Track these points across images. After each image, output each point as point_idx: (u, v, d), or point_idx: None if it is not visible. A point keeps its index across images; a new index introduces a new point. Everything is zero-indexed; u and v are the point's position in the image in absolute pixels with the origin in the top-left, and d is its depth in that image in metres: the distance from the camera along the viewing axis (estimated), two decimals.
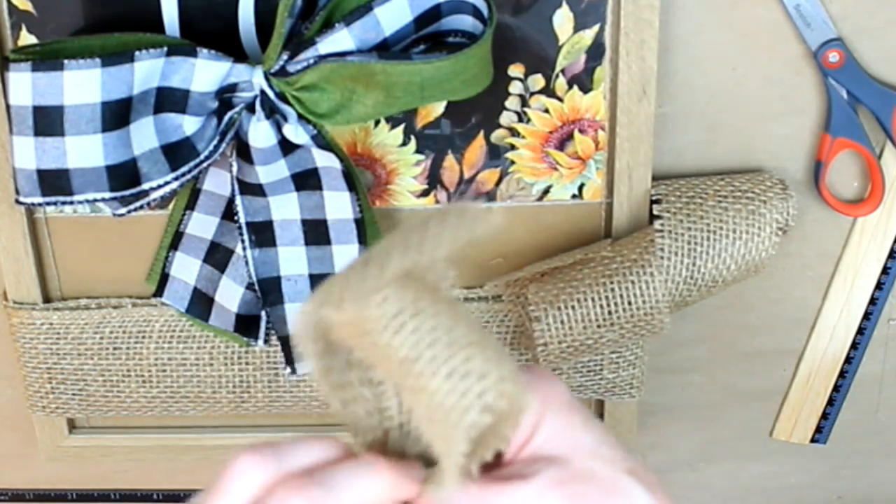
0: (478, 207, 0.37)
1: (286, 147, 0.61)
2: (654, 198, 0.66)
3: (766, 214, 0.65)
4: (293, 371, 0.67)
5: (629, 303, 0.64)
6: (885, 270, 0.70)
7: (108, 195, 0.58)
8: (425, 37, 0.60)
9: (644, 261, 0.64)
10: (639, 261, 0.64)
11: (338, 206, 0.63)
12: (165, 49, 0.57)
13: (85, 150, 0.57)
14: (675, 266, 0.64)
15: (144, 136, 0.59)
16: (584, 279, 0.64)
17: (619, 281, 0.64)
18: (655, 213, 0.65)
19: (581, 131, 0.65)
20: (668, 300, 0.64)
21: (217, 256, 0.66)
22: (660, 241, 0.64)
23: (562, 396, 0.41)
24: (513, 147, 0.65)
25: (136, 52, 0.56)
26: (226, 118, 0.60)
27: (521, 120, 0.64)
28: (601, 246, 0.66)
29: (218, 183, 0.65)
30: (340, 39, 0.57)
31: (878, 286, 0.71)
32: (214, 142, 0.60)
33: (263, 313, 0.67)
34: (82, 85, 0.56)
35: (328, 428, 0.73)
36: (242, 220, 0.63)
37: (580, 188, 0.67)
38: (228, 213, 0.65)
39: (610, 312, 0.64)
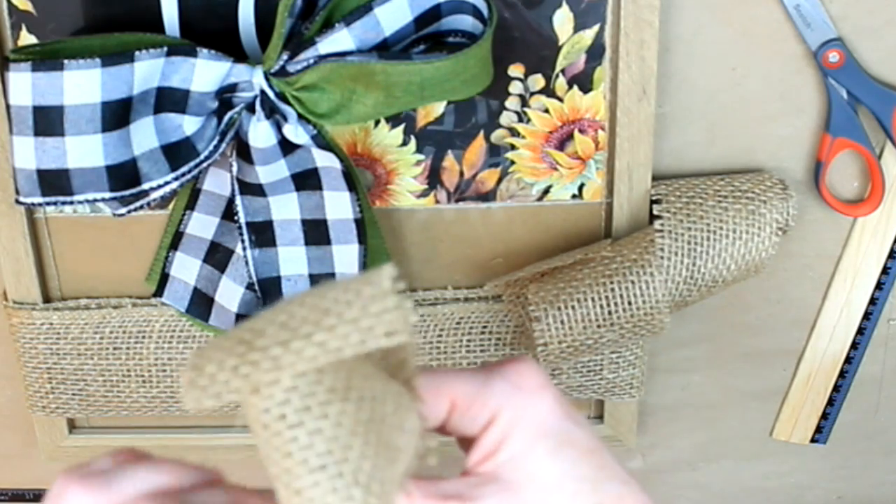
0: (389, 291, 0.34)
1: (286, 147, 0.61)
2: (654, 198, 0.66)
3: (766, 214, 0.65)
4: None
5: (629, 303, 0.64)
6: (885, 270, 0.70)
7: (108, 195, 0.58)
8: (425, 37, 0.60)
9: (644, 261, 0.64)
10: (639, 261, 0.64)
11: (338, 206, 0.63)
12: (165, 49, 0.57)
13: (85, 150, 0.57)
14: (675, 266, 0.64)
15: (144, 136, 0.59)
16: (584, 279, 0.64)
17: (619, 281, 0.64)
18: (655, 213, 0.65)
19: (581, 131, 0.65)
20: (668, 300, 0.64)
21: (217, 256, 0.66)
22: (660, 241, 0.64)
23: (536, 417, 0.39)
24: (513, 147, 0.65)
25: (136, 52, 0.56)
26: (226, 118, 0.60)
27: (521, 120, 0.65)
28: (601, 246, 0.66)
29: (218, 183, 0.65)
30: (340, 39, 0.57)
31: (878, 286, 0.71)
32: (214, 142, 0.60)
33: None
34: (82, 85, 0.56)
35: None
36: (242, 220, 0.63)
37: (580, 188, 0.67)
38: (228, 213, 0.65)
39: (610, 312, 0.64)
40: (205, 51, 0.58)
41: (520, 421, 0.39)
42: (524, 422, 0.39)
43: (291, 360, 0.33)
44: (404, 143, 0.65)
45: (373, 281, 0.34)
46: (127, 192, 0.59)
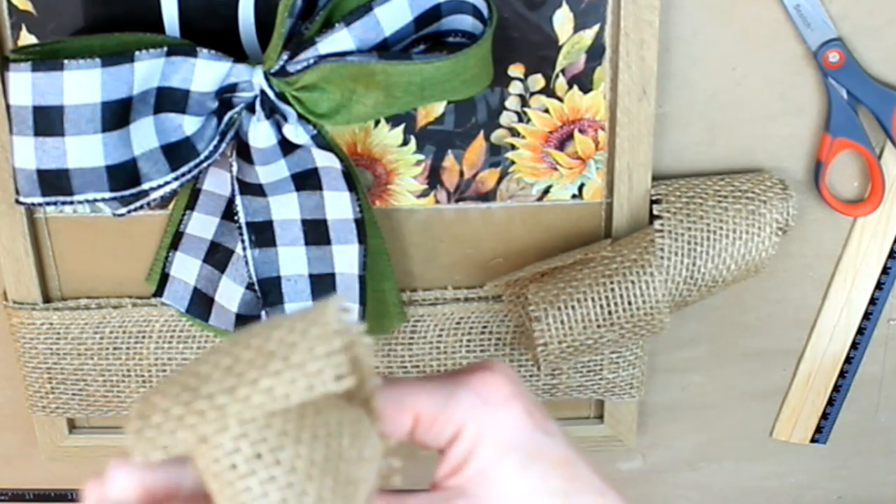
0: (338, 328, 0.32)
1: (286, 147, 0.61)
2: (654, 198, 0.66)
3: (766, 214, 0.65)
4: None
5: (629, 303, 0.64)
6: (885, 270, 0.70)
7: (108, 195, 0.58)
8: (425, 37, 0.60)
9: (644, 261, 0.64)
10: (639, 261, 0.64)
11: (338, 206, 0.63)
12: (165, 49, 0.57)
13: (85, 150, 0.57)
14: (675, 266, 0.64)
15: (144, 136, 0.59)
16: (584, 279, 0.64)
17: (619, 281, 0.64)
18: (655, 213, 0.65)
19: (581, 131, 0.65)
20: (668, 300, 0.64)
21: (217, 256, 0.66)
22: (660, 241, 0.64)
23: (503, 430, 0.38)
24: (513, 147, 0.65)
25: (136, 52, 0.56)
26: (226, 118, 0.60)
27: (521, 120, 0.64)
28: (601, 246, 0.66)
29: (218, 183, 0.65)
30: (340, 39, 0.57)
31: (878, 286, 0.71)
32: (214, 142, 0.60)
33: (263, 313, 0.66)
34: (82, 85, 0.56)
35: None
36: (242, 220, 0.63)
37: (580, 188, 0.67)
38: (228, 213, 0.65)
39: (610, 312, 0.64)
40: (205, 51, 0.58)
41: (486, 435, 0.38)
42: (491, 435, 0.38)
43: (238, 408, 0.32)
44: (404, 143, 0.65)
45: (319, 320, 0.33)
46: (127, 192, 0.59)
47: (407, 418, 0.38)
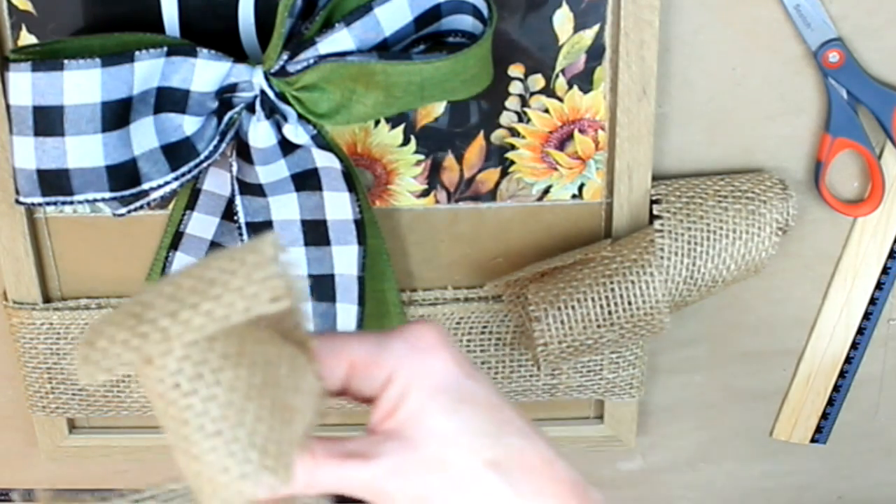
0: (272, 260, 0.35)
1: (286, 147, 0.61)
2: (653, 198, 0.66)
3: (766, 214, 0.65)
4: None
5: (629, 303, 0.64)
6: (885, 270, 0.70)
7: (108, 195, 0.58)
8: (425, 37, 0.60)
9: (644, 261, 0.64)
10: (639, 261, 0.64)
11: (337, 206, 0.63)
12: (165, 49, 0.57)
13: (85, 150, 0.57)
14: (676, 266, 0.64)
15: (144, 136, 0.59)
16: (584, 279, 0.64)
17: (618, 281, 0.64)
18: (655, 213, 0.65)
19: (581, 131, 0.65)
20: (668, 300, 0.64)
21: None
22: (660, 241, 0.64)
23: (432, 374, 0.40)
24: (513, 147, 0.65)
25: (136, 52, 0.56)
26: (226, 118, 0.60)
27: (521, 120, 0.64)
28: (601, 246, 0.66)
29: (218, 183, 0.65)
30: (340, 39, 0.57)
31: (878, 286, 0.71)
32: (214, 142, 0.60)
33: None
34: (82, 85, 0.56)
35: (328, 427, 0.73)
36: (242, 220, 0.63)
37: (580, 188, 0.67)
38: (228, 213, 0.65)
39: (610, 312, 0.64)
40: (205, 51, 0.58)
41: (416, 378, 0.40)
42: (420, 379, 0.40)
43: (180, 330, 0.34)
44: (404, 143, 0.65)
45: (256, 249, 0.35)
46: (127, 192, 0.59)
47: (342, 365, 0.40)
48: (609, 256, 0.65)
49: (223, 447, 0.35)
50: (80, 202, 0.58)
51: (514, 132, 0.65)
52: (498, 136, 0.65)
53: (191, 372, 0.35)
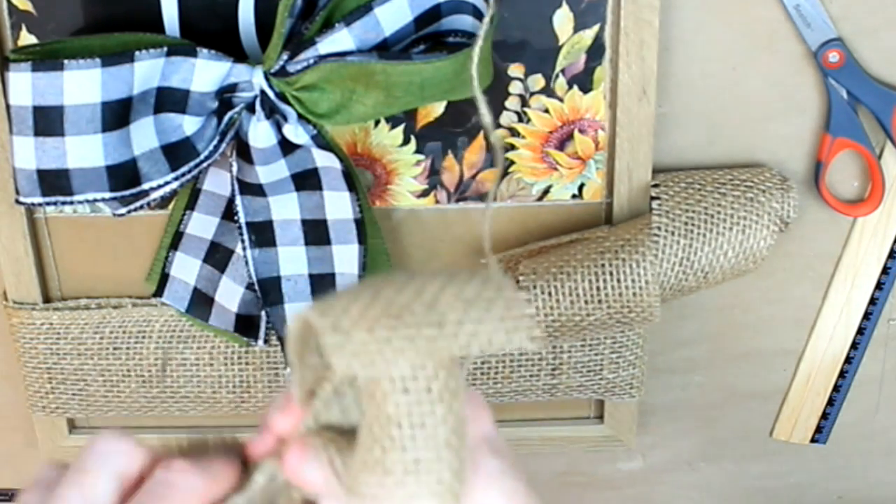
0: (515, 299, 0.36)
1: (286, 147, 0.61)
2: (653, 184, 0.65)
3: (765, 203, 0.65)
4: None
5: (618, 280, 0.64)
6: (885, 270, 0.70)
7: (108, 195, 0.58)
8: (425, 37, 0.60)
9: (637, 241, 0.64)
10: (632, 240, 0.64)
11: (338, 206, 0.63)
12: (165, 49, 0.57)
13: (85, 150, 0.57)
14: (671, 246, 0.64)
15: (144, 136, 0.59)
16: (575, 255, 0.64)
17: (609, 258, 0.64)
18: (653, 195, 0.65)
19: (581, 131, 0.65)
20: (660, 282, 0.64)
21: (217, 256, 0.66)
22: (656, 219, 0.64)
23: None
24: (513, 147, 0.65)
25: (136, 52, 0.56)
26: (226, 118, 0.60)
27: (521, 120, 0.65)
28: (600, 229, 0.66)
29: (218, 183, 0.65)
30: (340, 39, 0.57)
31: (878, 286, 0.71)
32: (214, 142, 0.60)
33: (263, 313, 0.67)
34: (82, 85, 0.56)
35: None
36: (242, 220, 0.63)
37: (580, 188, 0.67)
38: (228, 213, 0.65)
39: (598, 289, 0.64)
40: (205, 51, 0.58)
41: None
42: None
43: (445, 343, 0.35)
44: (404, 143, 0.65)
45: (503, 286, 0.36)
46: (127, 192, 0.59)
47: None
48: (603, 235, 0.65)
49: (427, 463, 0.36)
50: (80, 202, 0.58)
51: (514, 132, 0.65)
52: (498, 136, 0.65)
53: (422, 384, 0.36)
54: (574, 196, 0.67)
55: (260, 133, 0.60)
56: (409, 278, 0.36)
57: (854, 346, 0.73)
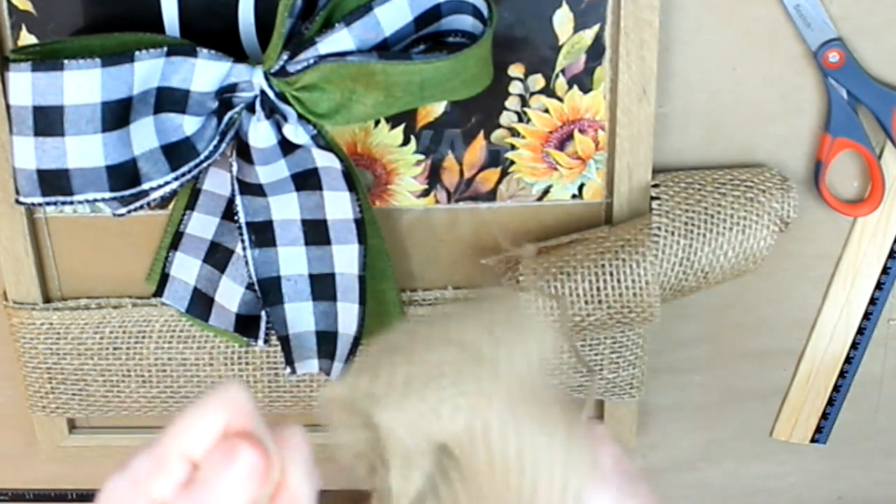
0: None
1: (286, 147, 0.61)
2: (653, 184, 0.65)
3: (765, 203, 0.65)
4: (293, 371, 0.67)
5: (619, 281, 0.64)
6: (885, 270, 0.70)
7: (108, 195, 0.58)
8: (425, 37, 0.60)
9: (637, 241, 0.64)
10: (632, 241, 0.64)
11: (338, 206, 0.63)
12: (165, 49, 0.57)
13: (85, 150, 0.57)
14: (672, 246, 0.64)
15: (144, 136, 0.59)
16: (576, 255, 0.64)
17: (609, 258, 0.64)
18: (653, 195, 0.65)
19: (581, 131, 0.65)
20: (660, 282, 0.64)
21: (217, 256, 0.66)
22: (657, 219, 0.64)
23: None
24: (513, 147, 0.65)
25: (136, 52, 0.56)
26: (226, 118, 0.60)
27: (521, 120, 0.65)
28: (600, 229, 0.66)
29: (218, 183, 0.65)
30: (340, 39, 0.57)
31: (878, 286, 0.71)
32: (214, 142, 0.60)
33: (263, 313, 0.67)
34: (82, 85, 0.56)
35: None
36: (242, 220, 0.63)
37: (580, 188, 0.67)
38: (228, 213, 0.65)
39: (598, 289, 0.64)
40: (205, 51, 0.58)
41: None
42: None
43: (491, 386, 0.35)
44: (404, 143, 0.65)
45: (517, 302, 0.37)
46: (127, 192, 0.59)
47: None
48: (603, 236, 0.65)
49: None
50: (80, 202, 0.58)
51: (514, 132, 0.65)
52: (498, 136, 0.65)
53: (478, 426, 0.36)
54: (574, 196, 0.67)
55: (260, 133, 0.60)
56: (427, 325, 0.36)
57: (854, 345, 0.73)
